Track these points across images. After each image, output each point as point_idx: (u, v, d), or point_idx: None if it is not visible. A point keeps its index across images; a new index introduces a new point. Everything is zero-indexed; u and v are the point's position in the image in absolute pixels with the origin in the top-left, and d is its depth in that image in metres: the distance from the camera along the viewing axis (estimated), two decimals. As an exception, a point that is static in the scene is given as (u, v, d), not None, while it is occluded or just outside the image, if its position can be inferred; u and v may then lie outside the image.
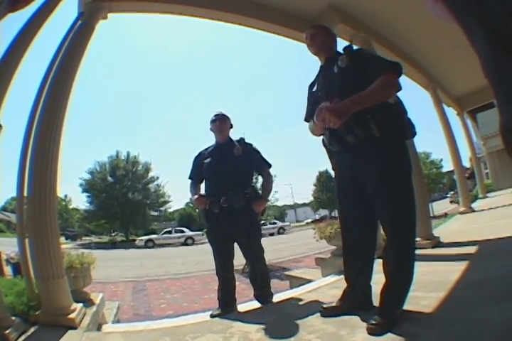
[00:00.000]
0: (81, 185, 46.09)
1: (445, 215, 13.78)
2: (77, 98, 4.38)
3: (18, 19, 3.07)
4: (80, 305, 3.44)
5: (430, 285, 3.05)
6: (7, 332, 2.70)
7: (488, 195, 15.44)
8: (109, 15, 4.73)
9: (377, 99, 2.31)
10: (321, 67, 2.91)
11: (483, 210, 10.05)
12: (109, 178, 46.32)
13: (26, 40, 3.69)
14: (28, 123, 3.68)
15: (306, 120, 3.00)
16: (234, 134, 3.88)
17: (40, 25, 3.82)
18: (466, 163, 19.28)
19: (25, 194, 3.52)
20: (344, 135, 2.49)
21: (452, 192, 30.20)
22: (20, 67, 3.59)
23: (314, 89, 2.89)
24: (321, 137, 2.78)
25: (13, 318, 2.93)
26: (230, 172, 3.54)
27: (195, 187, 3.85)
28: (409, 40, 7.72)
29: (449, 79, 10.74)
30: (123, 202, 44.89)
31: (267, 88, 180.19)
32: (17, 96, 4.60)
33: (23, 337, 2.84)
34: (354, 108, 2.22)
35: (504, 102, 0.77)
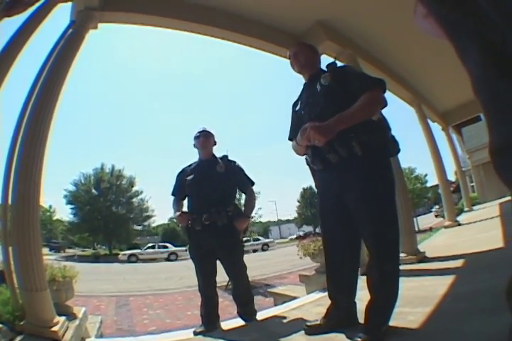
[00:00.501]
0: (65, 196, 45.62)
1: (430, 229, 13.85)
2: (63, 107, 4.37)
3: (11, 23, 3.06)
4: (63, 318, 3.40)
5: (416, 301, 3.04)
6: None
7: (473, 207, 15.54)
8: (100, 25, 4.77)
9: (363, 116, 2.31)
10: (304, 84, 2.92)
11: (468, 223, 10.11)
12: (94, 191, 45.90)
13: (17, 46, 3.71)
14: (14, 131, 3.68)
15: (290, 139, 2.99)
16: (217, 151, 3.89)
17: (32, 31, 3.85)
18: (452, 177, 19.51)
19: (9, 202, 3.50)
20: (326, 153, 2.47)
21: (437, 207, 30.57)
22: (10, 73, 3.58)
23: (298, 107, 2.89)
24: (305, 156, 2.77)
25: (0, 326, 2.94)
26: (213, 189, 3.53)
27: (177, 204, 3.84)
28: (394, 57, 7.82)
29: (433, 95, 10.89)
30: (107, 216, 44.49)
31: (252, 104, 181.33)
32: (4, 104, 4.56)
33: (11, 345, 2.82)
34: (339, 126, 2.21)
35: (495, 122, 0.76)
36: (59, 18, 4.57)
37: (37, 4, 3.24)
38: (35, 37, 3.87)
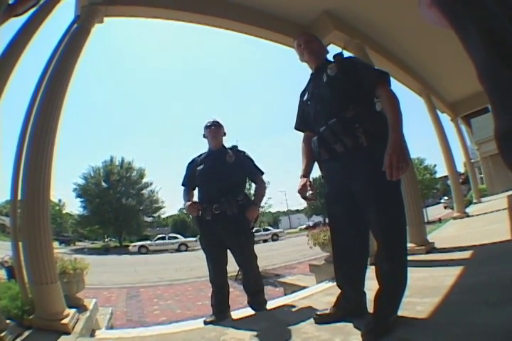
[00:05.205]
0: (75, 190, 45.98)
1: (439, 220, 13.79)
2: (71, 102, 4.38)
3: (15, 20, 3.07)
4: (73, 310, 3.43)
5: (425, 291, 3.04)
6: (2, 335, 2.72)
7: (482, 199, 15.41)
8: (105, 19, 4.76)
9: (400, 118, 2.31)
10: (311, 75, 2.93)
11: (477, 215, 10.03)
12: (103, 184, 46.21)
13: (22, 42, 3.71)
14: (22, 127, 3.69)
15: (297, 128, 3.05)
16: (227, 142, 3.91)
17: (36, 28, 3.85)
18: (460, 168, 19.36)
19: (19, 197, 3.52)
20: (332, 144, 2.51)
21: (446, 198, 30.34)
22: (16, 69, 3.59)
23: (305, 97, 2.90)
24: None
25: (8, 321, 2.95)
26: (223, 179, 3.55)
27: (187, 194, 3.85)
28: (403, 47, 7.76)
29: (442, 85, 10.79)
30: (117, 208, 44.81)
31: (260, 95, 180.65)
32: (11, 99, 4.57)
33: (18, 340, 2.84)
34: (401, 143, 2.21)
35: (499, 108, 0.77)
36: (62, 14, 4.57)
37: (41, 2, 3.24)
38: (39, 33, 3.87)
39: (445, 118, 12.97)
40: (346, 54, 2.86)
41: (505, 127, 0.75)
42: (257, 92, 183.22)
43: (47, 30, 4.06)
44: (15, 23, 3.52)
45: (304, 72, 3.05)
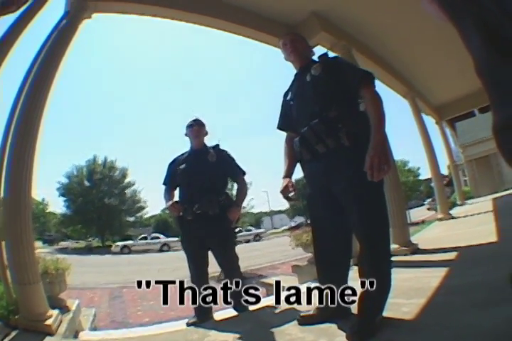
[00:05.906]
0: (58, 188, 45.60)
1: (423, 222, 13.91)
2: (57, 99, 4.34)
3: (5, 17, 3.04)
4: (56, 311, 3.41)
5: (410, 292, 3.04)
6: None
7: (467, 201, 15.60)
8: (94, 15, 4.73)
9: (383, 119, 2.32)
10: (295, 75, 2.92)
11: (462, 217, 10.13)
12: (86, 183, 45.85)
13: (12, 38, 3.69)
14: (6, 124, 3.66)
15: (279, 128, 3.04)
16: (209, 142, 3.89)
17: (27, 23, 3.84)
18: (444, 171, 19.59)
19: (1, 195, 3.47)
20: (314, 144, 2.50)
21: (430, 200, 30.69)
22: (4, 65, 3.56)
23: (288, 97, 2.90)
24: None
25: (-5, 322, 2.92)
26: (204, 178, 3.53)
27: (169, 194, 3.82)
28: (390, 49, 7.80)
29: (428, 89, 10.87)
30: (99, 207, 44.44)
31: (244, 95, 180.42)
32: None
33: (6, 340, 2.82)
34: (384, 144, 2.21)
35: (497, 102, 0.78)
36: (55, 10, 4.54)
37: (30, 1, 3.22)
38: (29, 29, 3.86)
39: (430, 121, 13.09)
40: (332, 55, 2.87)
41: (503, 121, 0.76)
42: (241, 92, 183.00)
43: (38, 26, 4.03)
44: (5, 18, 3.49)
45: (289, 72, 3.04)
